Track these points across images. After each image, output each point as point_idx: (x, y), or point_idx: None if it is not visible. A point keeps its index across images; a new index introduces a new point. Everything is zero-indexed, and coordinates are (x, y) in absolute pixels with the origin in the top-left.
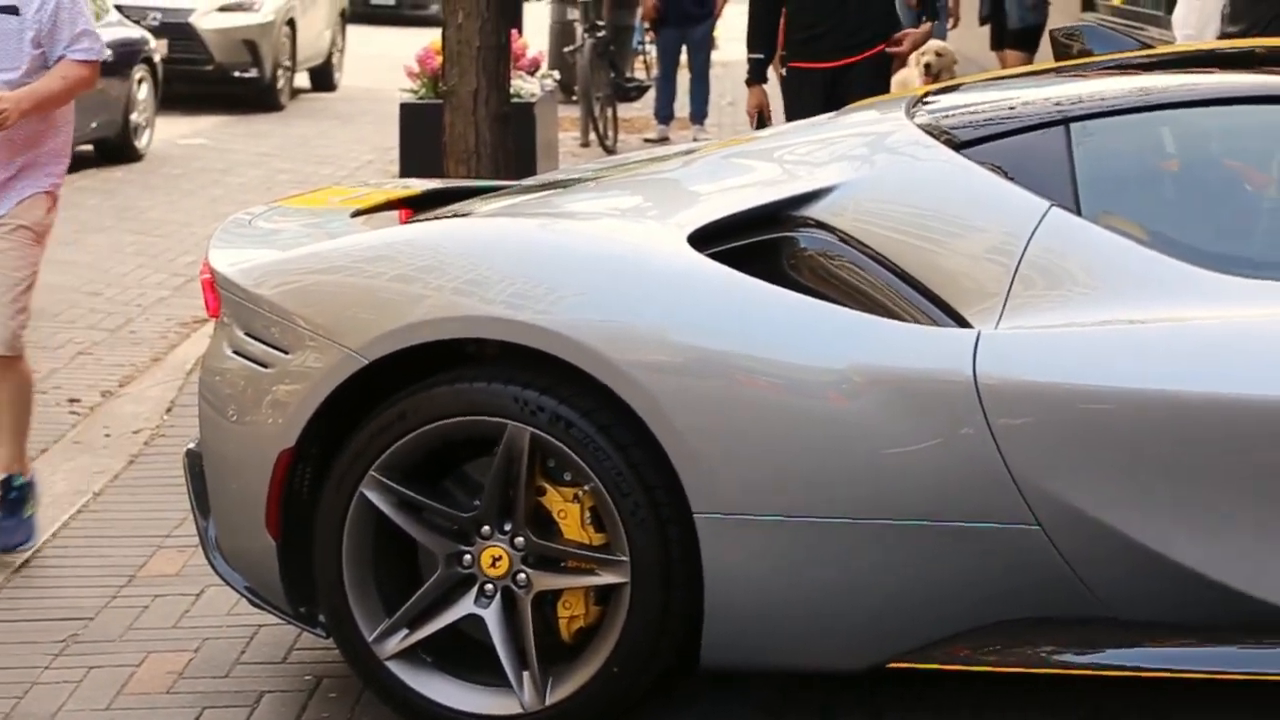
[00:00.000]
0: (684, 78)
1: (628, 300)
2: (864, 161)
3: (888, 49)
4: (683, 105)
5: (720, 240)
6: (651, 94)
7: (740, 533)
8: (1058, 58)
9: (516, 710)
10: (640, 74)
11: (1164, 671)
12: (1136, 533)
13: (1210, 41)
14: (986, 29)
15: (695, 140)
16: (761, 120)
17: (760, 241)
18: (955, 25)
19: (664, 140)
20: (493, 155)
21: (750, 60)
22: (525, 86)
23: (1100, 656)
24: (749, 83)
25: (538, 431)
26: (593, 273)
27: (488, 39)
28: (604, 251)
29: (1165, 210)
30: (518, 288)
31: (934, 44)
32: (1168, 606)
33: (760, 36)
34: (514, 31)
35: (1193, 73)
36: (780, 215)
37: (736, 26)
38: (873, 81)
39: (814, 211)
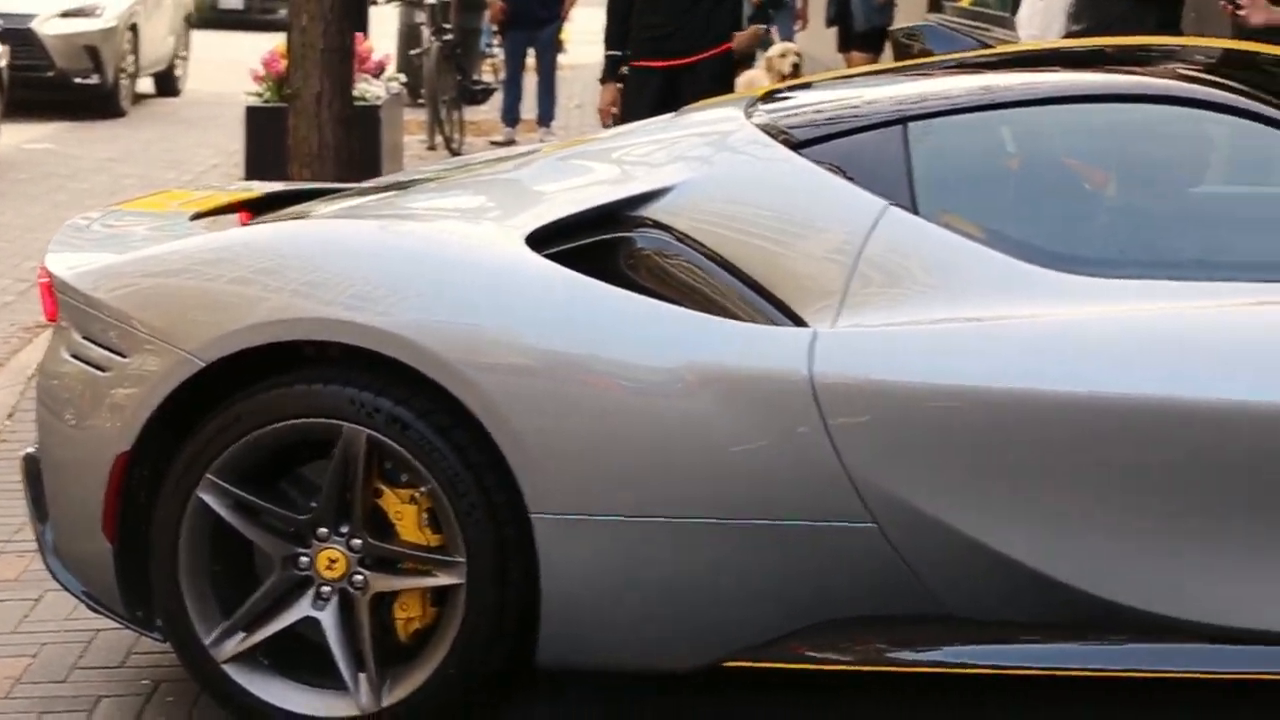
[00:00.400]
0: (531, 80)
1: (465, 302)
2: (702, 161)
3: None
4: (530, 108)
5: (558, 241)
6: (499, 97)
7: (576, 532)
8: (898, 58)
9: (353, 712)
10: (488, 77)
11: (1002, 668)
12: (974, 531)
13: (1054, 41)
14: (834, 31)
15: (542, 143)
16: (617, 119)
17: (598, 242)
18: (803, 27)
19: (510, 143)
20: (336, 158)
21: (607, 57)
22: (370, 89)
23: (938, 654)
24: (603, 80)
25: (374, 433)
26: (430, 274)
27: (331, 41)
28: (441, 253)
29: (1004, 209)
30: (356, 289)
31: (789, 45)
32: (1006, 604)
33: (618, 34)
34: (359, 35)
35: (1034, 72)
36: (618, 215)
37: (585, 29)
38: (715, 81)
39: (651, 211)
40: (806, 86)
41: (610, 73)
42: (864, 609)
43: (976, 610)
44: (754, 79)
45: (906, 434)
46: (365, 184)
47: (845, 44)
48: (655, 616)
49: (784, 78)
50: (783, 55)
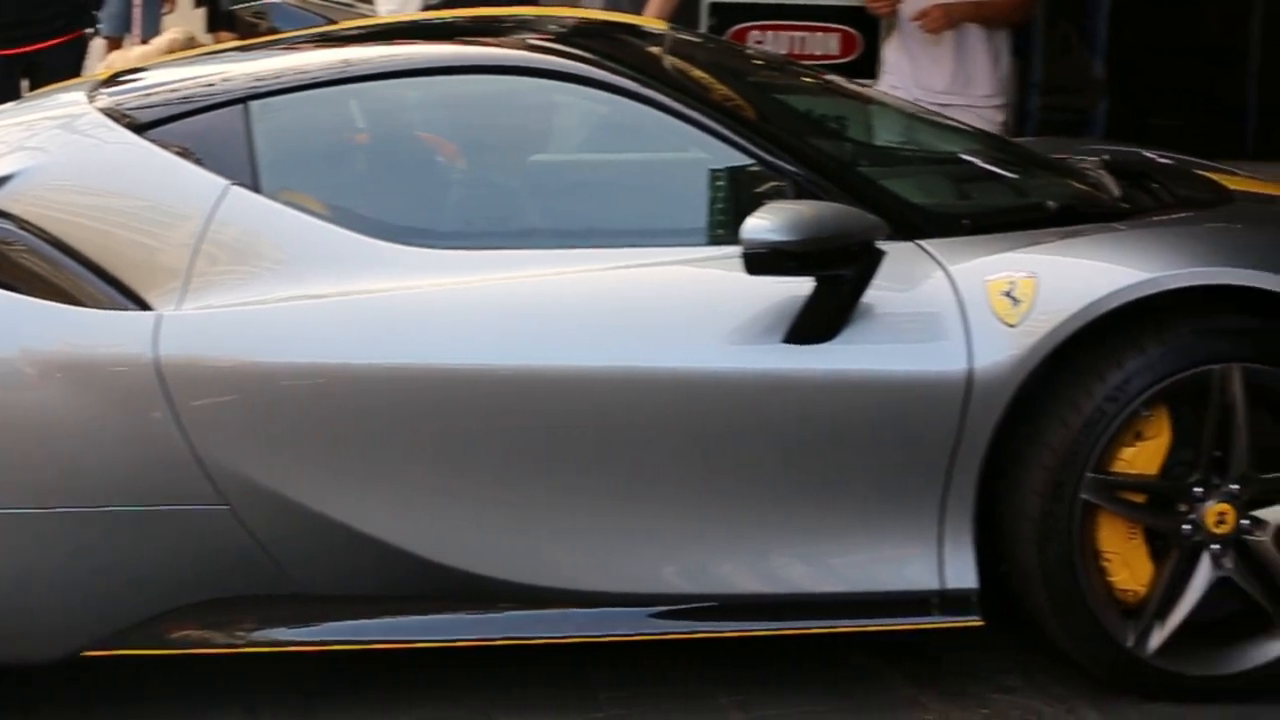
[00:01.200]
0: None
1: None
2: (43, 147)
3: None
4: None
5: None
6: None
7: None
8: (244, 37)
9: None
10: None
11: (368, 643)
12: (326, 508)
13: (411, 14)
14: (202, 11)
15: None
16: None
17: None
18: (171, 10)
19: None
20: None
21: None
22: None
23: (304, 632)
24: None
25: None
26: None
27: None
28: None
29: (350, 184)
30: None
31: (182, 30)
32: (365, 579)
33: None
34: None
35: (387, 45)
36: None
37: None
38: (67, 67)
39: None
40: (154, 68)
41: None
42: (224, 591)
43: (341, 587)
44: (114, 63)
45: (253, 414)
46: None
47: (214, 24)
48: (10, 609)
49: None
50: (190, 39)
